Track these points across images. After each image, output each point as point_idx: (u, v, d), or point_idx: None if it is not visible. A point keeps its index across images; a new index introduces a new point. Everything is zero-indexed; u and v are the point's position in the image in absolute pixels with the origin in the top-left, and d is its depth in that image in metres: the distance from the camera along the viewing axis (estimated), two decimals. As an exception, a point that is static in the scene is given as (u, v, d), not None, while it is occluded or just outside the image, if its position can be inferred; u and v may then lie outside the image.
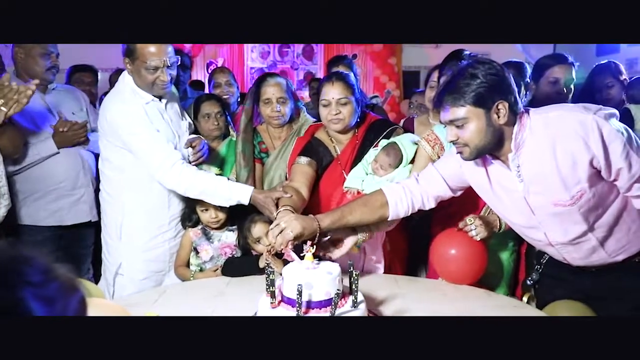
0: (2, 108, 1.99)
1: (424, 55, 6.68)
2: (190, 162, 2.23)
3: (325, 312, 1.38)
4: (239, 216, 2.22)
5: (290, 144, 2.42)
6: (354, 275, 1.43)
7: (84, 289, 0.71)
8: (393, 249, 2.18)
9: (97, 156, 2.45)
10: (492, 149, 1.57)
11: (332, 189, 2.19)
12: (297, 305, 1.34)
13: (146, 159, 2.14)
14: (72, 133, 2.49)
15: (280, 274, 1.51)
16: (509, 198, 1.66)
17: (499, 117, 1.51)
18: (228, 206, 2.14)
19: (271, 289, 1.43)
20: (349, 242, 1.86)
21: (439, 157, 2.02)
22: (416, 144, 2.12)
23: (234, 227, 2.26)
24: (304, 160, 2.20)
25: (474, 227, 1.88)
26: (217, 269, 2.15)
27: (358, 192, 2.08)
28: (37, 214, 2.50)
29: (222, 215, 2.21)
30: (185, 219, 2.30)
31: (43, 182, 2.48)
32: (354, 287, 1.44)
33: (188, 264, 2.26)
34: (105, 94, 2.55)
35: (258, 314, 1.50)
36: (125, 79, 2.21)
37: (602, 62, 3.09)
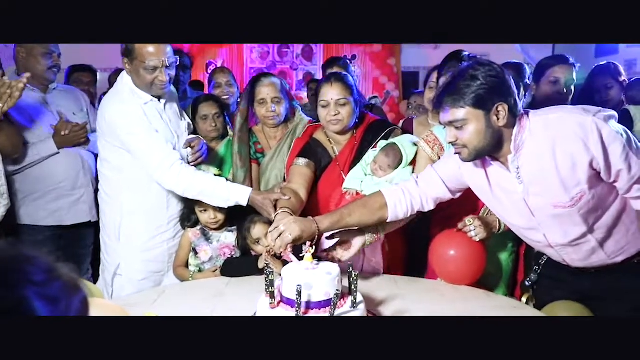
0: None
1: (423, 56, 6.67)
2: (189, 163, 2.23)
3: (324, 313, 1.38)
4: (238, 217, 2.22)
5: (286, 143, 2.42)
6: (353, 276, 1.44)
7: (87, 289, 0.71)
8: (392, 249, 2.18)
9: (97, 156, 2.45)
10: (492, 150, 1.57)
11: (331, 190, 2.19)
12: (297, 305, 1.34)
13: (145, 160, 2.14)
14: (72, 134, 2.49)
15: (280, 275, 1.51)
16: (509, 200, 1.66)
17: (498, 119, 1.51)
18: (227, 207, 2.13)
19: (270, 290, 1.43)
20: (357, 243, 1.84)
21: (439, 158, 2.02)
22: (416, 145, 2.12)
23: (233, 227, 2.26)
24: (302, 161, 2.20)
25: (473, 227, 1.88)
26: (216, 270, 2.15)
27: (357, 193, 2.08)
28: (37, 214, 2.51)
29: (220, 216, 2.21)
30: (185, 220, 2.30)
31: (43, 182, 2.48)
32: (353, 287, 1.44)
33: (187, 265, 2.26)
34: (105, 94, 2.55)
35: (257, 315, 1.50)
36: (124, 79, 2.21)
37: (602, 63, 3.10)
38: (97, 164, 2.40)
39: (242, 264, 2.11)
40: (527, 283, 1.91)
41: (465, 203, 1.98)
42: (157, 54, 2.08)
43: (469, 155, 1.57)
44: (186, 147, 2.26)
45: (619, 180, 1.52)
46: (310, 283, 1.38)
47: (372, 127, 2.25)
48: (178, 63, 2.25)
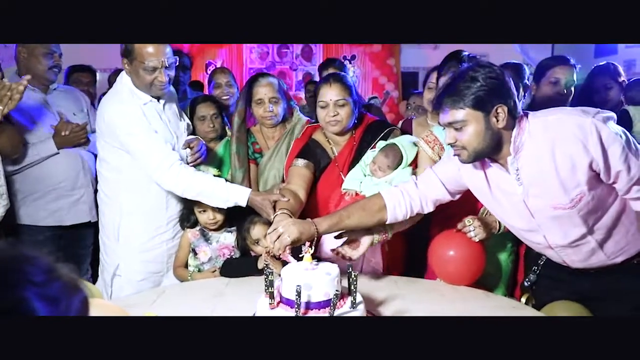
0: None
1: (422, 56, 6.68)
2: (188, 163, 2.23)
3: (324, 313, 1.38)
4: (237, 217, 2.21)
5: (284, 143, 2.42)
6: (352, 276, 1.44)
7: (86, 289, 0.71)
8: (392, 250, 2.18)
9: (97, 157, 2.45)
10: (491, 152, 1.58)
11: (330, 190, 2.19)
12: (296, 306, 1.34)
13: (144, 160, 2.14)
14: (73, 135, 2.49)
15: (279, 275, 1.51)
16: (508, 201, 1.67)
17: (497, 120, 1.51)
18: (226, 208, 2.13)
19: (270, 290, 1.43)
20: (365, 241, 1.86)
21: (440, 158, 2.02)
22: (416, 145, 2.12)
23: (232, 228, 2.26)
24: (301, 162, 2.20)
25: (472, 228, 1.88)
26: (215, 270, 2.15)
27: (356, 194, 2.08)
28: (37, 214, 2.51)
29: (219, 217, 2.21)
30: (184, 220, 2.30)
31: (43, 182, 2.48)
32: (352, 288, 1.44)
33: (187, 265, 2.26)
34: (104, 94, 2.55)
35: (257, 315, 1.50)
36: (123, 79, 2.21)
37: (601, 63, 3.10)
38: (96, 165, 2.40)
39: (241, 265, 2.11)
40: (526, 283, 1.91)
41: (465, 203, 1.98)
42: (156, 55, 2.08)
43: (468, 157, 1.58)
44: (185, 148, 2.26)
45: (618, 181, 1.52)
46: (310, 283, 1.38)
47: (371, 128, 2.25)
48: (178, 63, 2.25)
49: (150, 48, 2.07)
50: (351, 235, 1.85)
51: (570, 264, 1.74)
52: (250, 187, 2.33)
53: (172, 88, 2.32)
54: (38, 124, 2.48)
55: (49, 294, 0.63)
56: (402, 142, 2.12)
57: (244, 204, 2.09)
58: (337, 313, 1.38)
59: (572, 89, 2.58)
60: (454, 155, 1.62)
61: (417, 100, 3.72)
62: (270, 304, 1.43)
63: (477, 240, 1.88)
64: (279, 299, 1.45)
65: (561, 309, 1.69)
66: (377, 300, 1.74)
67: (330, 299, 1.37)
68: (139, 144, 2.13)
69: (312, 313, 1.38)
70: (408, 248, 2.30)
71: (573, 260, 1.72)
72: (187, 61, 3.27)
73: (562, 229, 1.63)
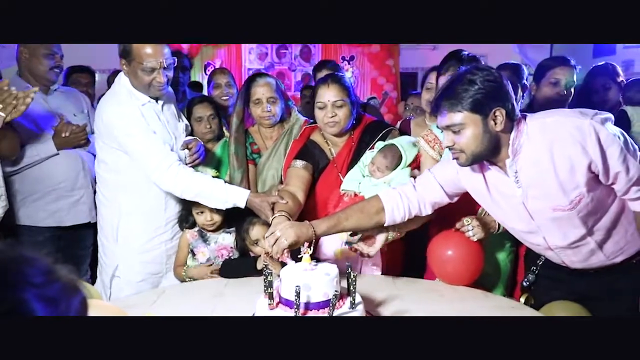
0: (1, 113, 1.98)
1: (421, 57, 6.69)
2: (186, 164, 2.23)
3: (323, 314, 1.38)
4: (235, 218, 2.21)
5: (282, 143, 2.42)
6: (351, 277, 1.44)
7: (85, 290, 0.71)
8: (390, 250, 2.18)
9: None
10: (489, 155, 1.58)
11: (329, 191, 2.18)
12: (295, 306, 1.34)
13: (142, 161, 2.14)
14: (72, 136, 2.49)
15: (278, 276, 1.51)
16: (507, 204, 1.67)
17: (495, 123, 1.51)
18: (224, 209, 2.14)
19: (269, 291, 1.43)
20: (380, 238, 1.89)
21: (441, 156, 2.02)
22: (416, 145, 2.12)
23: (230, 229, 2.26)
24: (299, 163, 2.20)
25: (470, 227, 1.88)
26: (212, 264, 2.16)
27: (355, 195, 2.08)
28: (37, 215, 2.50)
29: (217, 218, 2.20)
30: (182, 221, 2.29)
31: (42, 182, 2.48)
32: (351, 288, 1.44)
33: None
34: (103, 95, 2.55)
35: (256, 316, 1.50)
36: (122, 80, 2.21)
37: (599, 63, 3.10)
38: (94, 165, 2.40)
39: (240, 265, 2.11)
40: (524, 284, 1.91)
41: (463, 203, 1.98)
42: (154, 55, 2.08)
43: (467, 160, 1.58)
44: (183, 149, 2.26)
45: (617, 182, 1.52)
46: (309, 284, 1.38)
47: (369, 128, 2.25)
48: (177, 64, 2.25)
49: (148, 49, 2.07)
50: (367, 232, 1.87)
51: (569, 264, 1.74)
52: (248, 187, 2.33)
53: (170, 89, 2.32)
54: (38, 125, 2.47)
55: (48, 295, 0.63)
56: (402, 142, 2.12)
57: (242, 205, 2.09)
58: (336, 313, 1.38)
59: (572, 89, 2.58)
60: (453, 158, 1.63)
61: (416, 101, 3.72)
62: (269, 304, 1.43)
63: (476, 239, 1.88)
64: (278, 300, 1.45)
65: (560, 309, 1.69)
66: (377, 301, 1.74)
67: (330, 299, 1.37)
68: (137, 144, 2.12)
69: (312, 313, 1.39)
70: (407, 248, 2.30)
71: (572, 261, 1.72)
72: (187, 62, 3.27)
73: (561, 231, 1.63)
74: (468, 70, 1.54)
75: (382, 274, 2.13)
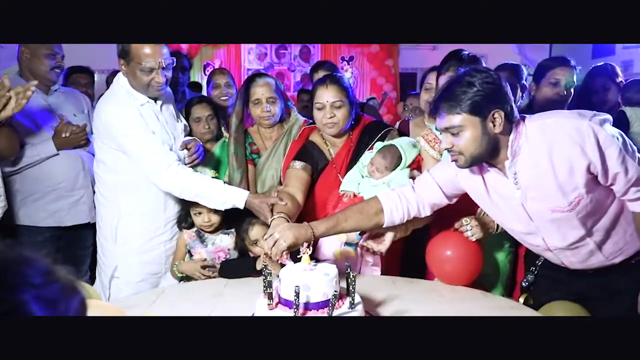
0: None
1: (421, 57, 6.69)
2: (185, 164, 2.23)
3: (322, 314, 1.38)
4: (234, 219, 2.21)
5: (282, 143, 2.42)
6: (351, 277, 1.44)
7: (84, 291, 0.71)
8: (389, 250, 2.18)
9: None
10: (488, 157, 1.58)
11: (328, 192, 2.18)
12: (295, 306, 1.34)
13: (141, 161, 2.13)
14: (73, 136, 2.49)
15: (278, 276, 1.51)
16: (507, 205, 1.67)
17: (494, 125, 1.51)
18: (223, 209, 2.13)
19: (268, 291, 1.43)
20: (389, 235, 1.90)
21: (441, 155, 2.02)
22: (415, 146, 2.12)
23: (229, 230, 2.25)
24: (298, 164, 2.20)
25: (469, 227, 1.89)
26: (205, 260, 2.16)
27: (354, 195, 2.08)
28: (36, 215, 2.50)
29: (215, 219, 2.19)
30: (181, 221, 2.29)
31: (42, 182, 2.48)
32: (351, 288, 1.44)
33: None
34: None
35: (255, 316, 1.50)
36: (120, 80, 2.21)
37: (599, 64, 3.10)
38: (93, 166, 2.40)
39: (240, 265, 2.11)
40: (524, 284, 1.91)
41: (463, 203, 1.99)
42: (153, 55, 2.07)
43: (465, 162, 1.58)
44: (182, 149, 2.26)
45: (615, 183, 1.53)
46: (308, 284, 1.38)
47: (368, 129, 2.25)
48: (176, 64, 2.25)
49: (147, 49, 2.06)
50: (375, 230, 1.89)
51: (569, 265, 1.74)
52: (248, 187, 2.33)
53: (169, 89, 2.32)
54: (38, 125, 2.47)
55: (47, 295, 0.63)
56: (402, 143, 2.12)
57: (241, 206, 2.08)
58: (335, 313, 1.38)
59: (572, 90, 2.59)
60: (451, 160, 1.63)
61: (415, 102, 3.72)
62: (269, 304, 1.43)
63: (474, 239, 1.89)
64: (278, 300, 1.45)
65: (559, 309, 1.69)
66: (376, 301, 1.74)
67: (329, 299, 1.37)
68: (136, 145, 2.12)
69: (311, 313, 1.39)
70: (406, 248, 2.30)
71: (572, 262, 1.73)
72: (186, 62, 3.26)
73: (560, 232, 1.64)
74: (467, 72, 1.54)
75: (381, 274, 2.13)
